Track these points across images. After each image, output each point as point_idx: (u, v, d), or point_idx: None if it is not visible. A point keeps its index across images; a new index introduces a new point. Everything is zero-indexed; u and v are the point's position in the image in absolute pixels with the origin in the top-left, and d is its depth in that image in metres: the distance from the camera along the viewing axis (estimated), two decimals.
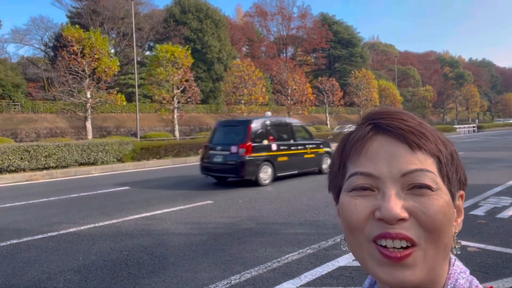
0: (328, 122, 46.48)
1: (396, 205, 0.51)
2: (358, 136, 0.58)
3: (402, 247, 0.51)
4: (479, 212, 5.97)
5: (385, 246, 0.52)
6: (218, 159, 9.72)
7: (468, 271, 0.58)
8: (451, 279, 0.55)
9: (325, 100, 45.56)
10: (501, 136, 32.55)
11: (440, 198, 0.53)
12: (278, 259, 4.15)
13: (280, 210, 6.53)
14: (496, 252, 4.20)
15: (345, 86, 51.15)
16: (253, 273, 3.79)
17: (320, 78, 47.75)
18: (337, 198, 0.61)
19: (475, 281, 0.57)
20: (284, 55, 68.44)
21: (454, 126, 46.26)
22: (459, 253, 0.58)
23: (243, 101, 34.72)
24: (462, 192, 0.59)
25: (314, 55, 73.09)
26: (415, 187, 0.52)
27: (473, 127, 48.01)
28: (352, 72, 51.59)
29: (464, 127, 46.31)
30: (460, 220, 0.59)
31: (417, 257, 0.51)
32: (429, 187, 0.52)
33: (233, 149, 9.40)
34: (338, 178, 0.60)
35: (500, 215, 5.76)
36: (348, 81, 51.37)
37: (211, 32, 49.09)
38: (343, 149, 0.60)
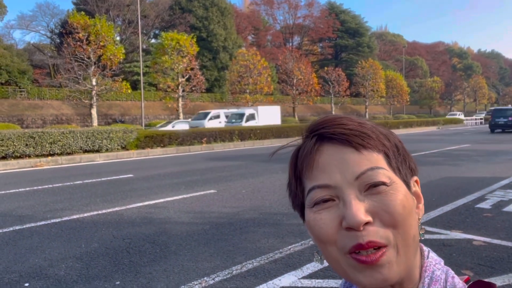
0: (333, 112, 46.24)
1: (359, 210, 0.52)
2: (306, 150, 0.58)
3: (374, 248, 0.52)
4: (485, 205, 5.90)
5: (359, 253, 0.53)
6: (501, 122, 25.58)
7: (442, 262, 0.59)
8: (428, 272, 0.57)
9: (330, 90, 45.30)
10: None
11: (396, 191, 0.54)
12: (280, 250, 4.12)
13: (283, 201, 6.49)
14: (502, 246, 4.14)
15: (351, 76, 50.77)
16: (254, 263, 3.76)
17: (326, 68, 47.38)
18: (302, 215, 0.61)
19: (451, 272, 0.58)
20: (290, 44, 67.92)
21: (461, 118, 45.83)
22: (423, 238, 0.59)
23: (248, 91, 34.58)
24: (415, 177, 0.61)
25: (321, 45, 72.49)
26: (371, 187, 0.54)
27: (480, 119, 47.57)
28: (359, 62, 51.19)
29: (471, 119, 45.90)
30: (421, 205, 0.60)
31: (391, 254, 0.53)
32: (384, 183, 0.54)
33: (510, 118, 25.25)
34: (298, 196, 0.61)
35: (506, 209, 5.68)
36: (354, 71, 51.01)
37: (217, 20, 48.74)
38: (295, 165, 0.60)
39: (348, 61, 65.54)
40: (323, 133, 0.58)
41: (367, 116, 48.49)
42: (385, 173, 0.54)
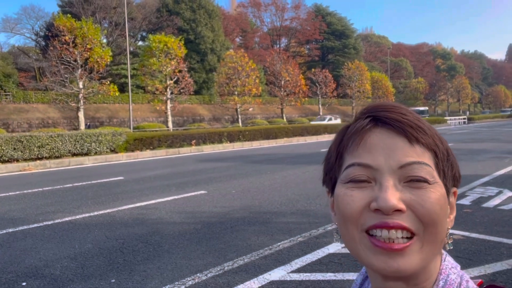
0: (321, 113, 46.65)
1: (393, 196, 0.52)
2: (356, 128, 0.58)
3: (398, 237, 0.52)
4: (465, 201, 6.15)
5: (379, 236, 0.52)
6: None
7: (459, 266, 0.59)
8: (443, 274, 0.56)
9: (318, 92, 45.68)
10: (490, 128, 32.97)
11: (436, 191, 0.53)
12: (270, 246, 4.28)
13: (273, 200, 6.66)
14: (479, 239, 4.37)
15: (338, 78, 51.28)
16: (245, 260, 3.91)
17: (313, 69, 47.78)
18: (331, 191, 0.61)
19: (466, 276, 0.58)
20: (278, 46, 68.25)
21: (445, 117, 46.69)
22: (451, 248, 0.60)
23: (236, 92, 34.69)
24: (455, 189, 0.60)
25: (308, 47, 73.02)
26: (412, 180, 0.53)
27: (464, 118, 48.52)
28: (345, 63, 51.70)
29: (454, 119, 46.78)
30: (452, 216, 0.60)
31: (414, 247, 0.52)
32: (426, 180, 0.53)
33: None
34: (334, 170, 0.61)
35: (485, 205, 5.94)
36: (341, 73, 51.50)
37: (205, 22, 48.77)
38: (341, 140, 0.60)
39: (335, 62, 66.13)
40: (379, 116, 0.57)
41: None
42: (430, 171, 0.54)
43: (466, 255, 3.88)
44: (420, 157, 0.54)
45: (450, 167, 0.58)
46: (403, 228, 0.51)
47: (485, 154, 13.04)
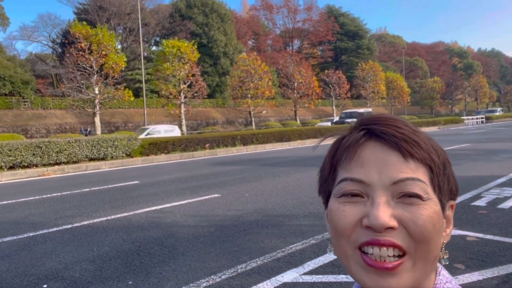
0: (334, 115, 46.44)
1: (385, 213, 0.51)
2: (350, 141, 0.57)
3: (389, 256, 0.51)
4: (480, 203, 6.08)
5: (371, 254, 0.52)
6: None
7: (453, 280, 0.58)
8: None
9: (331, 93, 45.51)
10: (509, 127, 32.31)
11: (429, 208, 0.52)
12: (283, 249, 4.33)
13: (285, 203, 6.70)
14: (494, 241, 4.33)
15: (352, 79, 50.98)
16: (258, 262, 3.97)
17: (326, 71, 47.64)
18: (326, 202, 0.61)
19: None
20: (290, 48, 68.21)
21: (462, 117, 45.93)
22: (447, 263, 0.58)
23: (249, 95, 34.83)
24: (452, 202, 0.59)
25: (321, 48, 72.80)
26: (405, 196, 0.52)
27: (481, 118, 47.66)
28: (359, 64, 51.40)
29: (472, 118, 46.00)
30: (449, 230, 0.59)
31: (406, 266, 0.51)
32: (419, 197, 0.52)
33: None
34: (328, 183, 0.60)
35: (501, 206, 5.87)
36: (355, 74, 51.20)
37: (217, 26, 49.13)
38: (335, 153, 0.59)
39: (348, 63, 65.80)
40: (373, 129, 0.56)
41: None
42: (424, 188, 0.53)
43: (479, 257, 3.86)
44: (414, 173, 0.53)
45: (446, 181, 0.57)
46: (394, 246, 0.51)
47: (502, 154, 12.82)
